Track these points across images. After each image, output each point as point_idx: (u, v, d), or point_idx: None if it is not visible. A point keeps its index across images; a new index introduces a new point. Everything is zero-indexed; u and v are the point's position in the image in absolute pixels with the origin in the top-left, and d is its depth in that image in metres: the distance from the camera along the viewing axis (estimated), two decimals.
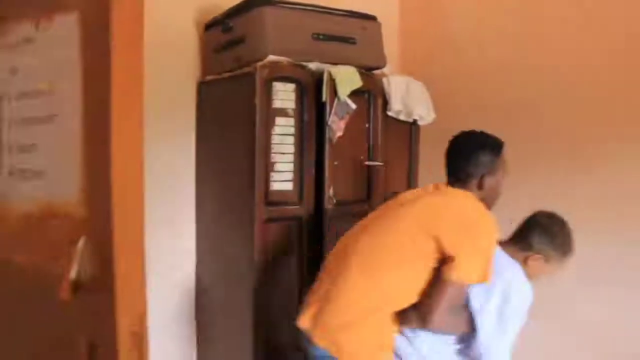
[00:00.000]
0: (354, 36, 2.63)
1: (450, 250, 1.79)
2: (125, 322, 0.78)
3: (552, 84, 3.03)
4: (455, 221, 1.87)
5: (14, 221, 0.85)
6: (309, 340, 1.94)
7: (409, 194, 2.13)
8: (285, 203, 2.41)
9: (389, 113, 2.74)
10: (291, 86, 2.39)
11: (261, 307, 2.35)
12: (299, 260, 2.45)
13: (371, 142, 2.69)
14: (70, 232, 0.76)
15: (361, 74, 2.56)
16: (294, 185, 2.42)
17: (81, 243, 0.75)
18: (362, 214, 2.66)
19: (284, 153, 2.38)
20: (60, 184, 0.81)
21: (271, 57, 2.33)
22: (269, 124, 2.32)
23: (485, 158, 2.01)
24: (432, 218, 1.89)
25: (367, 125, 2.67)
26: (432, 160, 3.24)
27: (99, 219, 0.74)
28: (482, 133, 2.09)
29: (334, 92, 2.46)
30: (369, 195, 2.71)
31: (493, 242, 1.85)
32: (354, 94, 2.52)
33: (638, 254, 2.47)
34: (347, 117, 2.51)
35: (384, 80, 2.73)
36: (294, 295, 2.44)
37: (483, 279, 1.79)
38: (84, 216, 0.77)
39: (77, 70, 0.79)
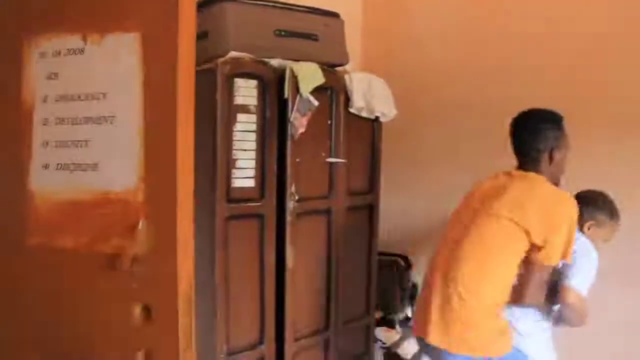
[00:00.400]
0: (317, 33, 2.63)
1: (538, 240, 1.99)
2: (182, 288, 0.99)
3: (512, 82, 3.10)
4: (539, 214, 2.01)
5: (60, 209, 0.99)
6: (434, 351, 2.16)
7: (487, 189, 2.23)
8: (247, 200, 2.39)
9: (351, 110, 2.75)
10: (253, 82, 2.37)
11: (223, 304, 2.34)
12: (260, 257, 2.45)
13: (333, 139, 2.70)
14: (128, 215, 0.96)
15: (323, 70, 2.56)
16: (256, 182, 2.41)
17: (141, 223, 0.95)
18: (324, 211, 2.71)
19: (245, 150, 2.37)
20: (118, 175, 0.99)
21: (233, 53, 2.31)
22: (230, 121, 2.31)
23: (551, 132, 2.13)
24: (521, 215, 2.02)
25: (329, 122, 2.68)
26: (393, 156, 3.30)
27: (157, 202, 0.97)
28: (542, 109, 2.18)
29: (296, 89, 2.45)
30: (331, 191, 2.72)
31: (574, 223, 2.04)
32: (316, 91, 2.52)
33: None
34: (309, 113, 2.52)
35: (346, 77, 2.73)
36: (256, 292, 2.45)
37: (565, 257, 2.02)
38: (142, 201, 0.97)
39: (138, 80, 0.98)
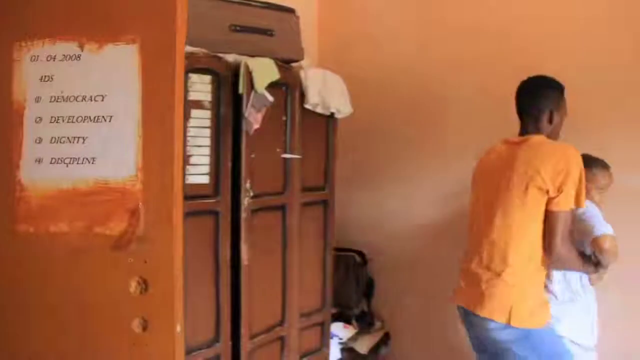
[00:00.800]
0: (272, 28, 2.62)
1: (554, 192, 2.14)
2: (176, 262, 1.15)
3: (465, 78, 3.15)
4: (552, 171, 2.15)
5: (55, 199, 1.12)
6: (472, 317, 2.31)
7: (496, 164, 2.37)
8: (202, 196, 2.37)
9: (306, 106, 2.74)
10: (207, 78, 2.35)
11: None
12: (215, 254, 2.43)
13: (288, 135, 2.69)
14: (127, 200, 1.10)
15: (279, 66, 2.55)
16: (210, 179, 2.39)
17: (140, 207, 1.09)
18: (279, 207, 2.70)
19: (200, 146, 2.34)
20: (117, 166, 1.12)
21: (187, 48, 2.26)
22: (184, 117, 2.27)
23: (552, 94, 2.32)
24: (539, 179, 2.16)
25: (284, 118, 2.67)
26: (349, 152, 3.32)
27: (154, 189, 1.11)
28: (544, 75, 2.37)
29: (251, 85, 2.44)
30: (286, 187, 2.72)
31: (582, 170, 2.17)
32: (272, 87, 2.51)
33: None
34: (264, 109, 2.50)
35: (302, 73, 2.73)
36: (211, 289, 2.43)
37: (579, 204, 2.17)
38: (140, 188, 1.12)
39: (137, 85, 1.12)
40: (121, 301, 1.13)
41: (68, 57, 1.16)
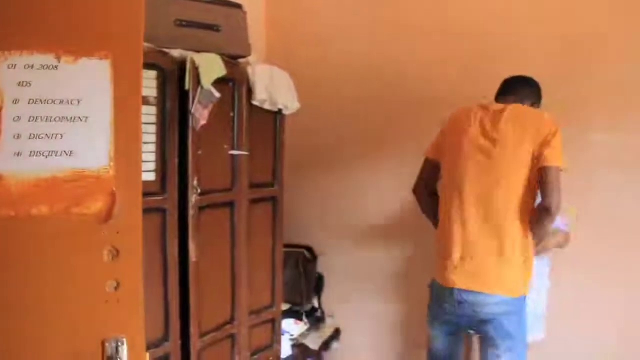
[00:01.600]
0: (218, 23, 2.59)
1: (541, 150, 2.25)
2: (140, 235, 1.41)
3: (412, 76, 3.20)
4: (537, 133, 2.27)
5: (34, 186, 1.30)
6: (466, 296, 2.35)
7: (477, 128, 2.41)
8: (148, 194, 2.32)
9: (254, 102, 2.73)
10: (152, 73, 2.31)
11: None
12: (162, 252, 2.39)
13: (235, 131, 2.68)
14: (101, 186, 1.33)
15: (225, 62, 2.53)
16: (157, 176, 2.35)
17: (114, 190, 1.33)
18: (227, 204, 2.68)
19: (145, 142, 2.30)
20: (92, 157, 1.33)
21: None
22: None
23: (535, 89, 2.48)
24: (528, 140, 2.27)
25: (231, 114, 2.65)
26: (297, 149, 3.32)
27: (123, 176, 1.35)
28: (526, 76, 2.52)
29: (197, 80, 2.41)
30: (234, 184, 2.70)
31: (560, 134, 2.28)
32: (219, 82, 2.49)
33: None
34: (210, 105, 2.48)
35: (249, 69, 2.71)
36: (159, 288, 2.39)
37: (565, 165, 2.26)
38: (112, 175, 1.34)
39: (108, 93, 1.33)
40: (96, 267, 1.36)
41: (45, 66, 1.31)
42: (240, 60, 2.73)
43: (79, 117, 1.33)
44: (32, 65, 1.29)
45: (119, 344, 1.38)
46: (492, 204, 2.32)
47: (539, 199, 2.31)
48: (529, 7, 2.88)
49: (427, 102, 3.10)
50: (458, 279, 2.39)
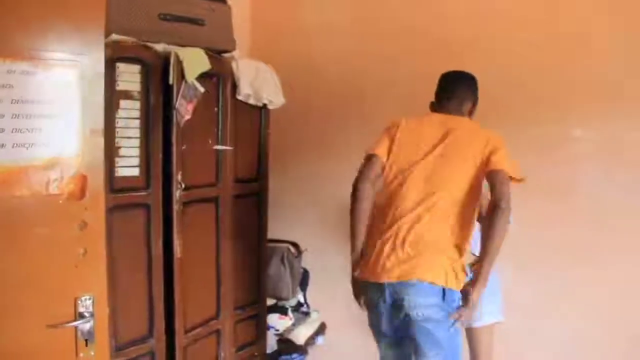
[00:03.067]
0: (203, 18, 2.58)
1: (487, 158, 2.22)
2: (103, 209, 1.71)
3: (396, 72, 3.20)
4: (486, 146, 2.24)
5: (17, 173, 1.53)
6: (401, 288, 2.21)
7: (430, 136, 2.35)
8: (132, 189, 2.32)
9: (239, 97, 2.73)
10: (136, 67, 2.29)
11: (109, 298, 2.25)
12: (147, 248, 2.38)
13: (220, 126, 2.67)
14: (73, 171, 1.60)
15: (210, 56, 2.52)
16: (141, 171, 2.34)
17: (82, 172, 1.61)
18: (212, 199, 2.67)
19: (129, 137, 2.29)
20: (65, 148, 1.60)
21: (114, 37, 2.21)
22: (112, 107, 2.21)
23: (473, 88, 2.45)
24: (474, 151, 2.25)
25: (215, 109, 2.64)
26: (282, 143, 3.31)
27: (89, 160, 1.63)
28: (469, 72, 2.47)
29: (182, 75, 2.40)
30: (218, 179, 2.69)
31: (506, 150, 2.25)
32: (203, 77, 2.48)
33: None
34: (195, 100, 2.47)
35: (233, 63, 2.70)
36: (143, 284, 2.38)
37: (522, 180, 2.22)
38: (81, 162, 1.61)
39: (78, 93, 1.62)
40: (68, 238, 1.61)
41: (26, 72, 1.54)
42: (225, 55, 2.72)
43: (55, 115, 1.59)
44: (14, 70, 1.53)
45: (88, 300, 1.64)
46: (433, 210, 2.27)
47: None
48: (512, 5, 2.89)
49: (411, 97, 3.11)
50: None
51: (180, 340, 2.53)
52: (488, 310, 2.60)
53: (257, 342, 3.08)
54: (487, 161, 2.22)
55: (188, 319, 2.58)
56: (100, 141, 1.68)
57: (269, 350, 3.23)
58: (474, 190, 2.27)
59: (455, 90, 2.44)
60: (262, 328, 3.11)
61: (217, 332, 2.78)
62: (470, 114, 2.45)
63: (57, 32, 1.60)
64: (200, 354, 2.70)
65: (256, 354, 3.08)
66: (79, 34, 1.63)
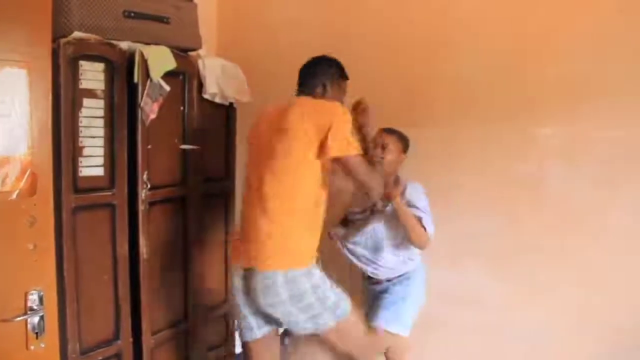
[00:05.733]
0: (168, 15, 2.55)
1: (322, 136, 2.12)
2: (52, 206, 1.79)
3: (361, 69, 3.20)
4: (317, 117, 2.16)
5: None
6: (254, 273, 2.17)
7: (270, 119, 2.32)
8: (96, 189, 2.28)
9: (205, 96, 2.70)
10: (100, 66, 2.25)
11: (73, 301, 2.21)
12: (112, 249, 2.34)
13: (186, 125, 2.64)
14: (23, 169, 1.66)
15: (175, 54, 2.49)
16: (105, 171, 2.30)
17: (29, 172, 1.67)
18: (178, 199, 2.65)
19: (93, 137, 2.25)
20: (16, 147, 1.65)
21: (77, 34, 2.17)
22: (75, 106, 2.17)
23: (328, 70, 2.40)
24: (307, 125, 2.16)
25: (181, 108, 2.62)
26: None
27: (39, 159, 1.70)
28: (325, 55, 2.45)
29: (147, 73, 2.37)
30: (185, 179, 2.66)
31: (347, 118, 2.20)
32: (168, 76, 2.45)
33: None
34: (160, 99, 2.44)
35: (199, 62, 2.68)
36: (109, 285, 2.35)
37: (354, 150, 2.16)
38: (30, 160, 1.68)
39: (26, 94, 1.68)
40: (19, 233, 1.68)
41: None
42: (191, 53, 2.70)
43: (5, 115, 1.64)
44: None
45: (38, 294, 1.69)
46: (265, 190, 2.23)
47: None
48: (479, 6, 2.92)
49: (381, 92, 3.12)
50: None
51: (147, 342, 2.50)
52: (382, 315, 2.61)
53: (225, 344, 3.06)
54: (324, 149, 2.16)
55: (155, 320, 2.55)
56: (47, 140, 1.75)
57: (238, 351, 3.21)
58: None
59: (303, 78, 2.43)
60: (231, 328, 3.09)
61: (186, 333, 2.76)
62: (324, 94, 2.37)
63: (3, 31, 1.62)
64: (169, 356, 2.67)
65: (225, 355, 3.06)
66: (26, 34, 1.68)
